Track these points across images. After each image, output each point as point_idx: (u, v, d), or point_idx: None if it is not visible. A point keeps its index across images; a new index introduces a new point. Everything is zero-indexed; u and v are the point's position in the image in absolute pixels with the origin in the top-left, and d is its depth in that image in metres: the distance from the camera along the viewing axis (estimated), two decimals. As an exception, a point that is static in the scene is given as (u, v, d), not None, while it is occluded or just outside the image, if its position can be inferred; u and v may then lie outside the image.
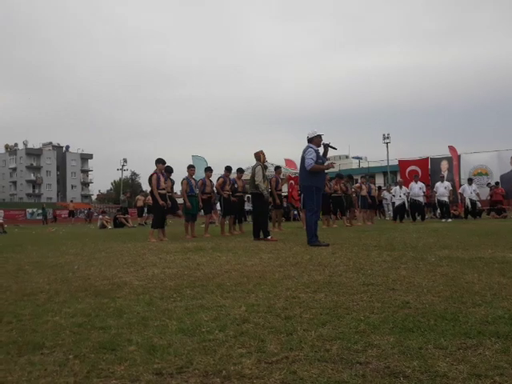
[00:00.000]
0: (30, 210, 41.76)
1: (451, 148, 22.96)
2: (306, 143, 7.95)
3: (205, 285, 4.06)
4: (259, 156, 9.69)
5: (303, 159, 7.85)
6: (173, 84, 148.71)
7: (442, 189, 17.13)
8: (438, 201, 17.49)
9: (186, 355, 2.24)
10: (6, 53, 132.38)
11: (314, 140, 7.91)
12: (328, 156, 8.57)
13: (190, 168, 11.59)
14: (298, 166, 8.52)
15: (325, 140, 7.98)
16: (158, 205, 10.05)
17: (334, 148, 7.98)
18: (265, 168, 9.93)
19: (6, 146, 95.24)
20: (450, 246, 6.85)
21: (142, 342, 2.45)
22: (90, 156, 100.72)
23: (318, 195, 7.91)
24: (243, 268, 5.05)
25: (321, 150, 7.93)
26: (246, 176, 13.81)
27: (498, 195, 19.33)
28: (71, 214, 38.36)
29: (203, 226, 12.43)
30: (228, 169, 12.28)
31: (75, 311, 3.20)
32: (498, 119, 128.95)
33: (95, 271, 5.21)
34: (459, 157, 22.39)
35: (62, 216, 49.79)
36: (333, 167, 8.00)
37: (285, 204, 18.40)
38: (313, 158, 7.68)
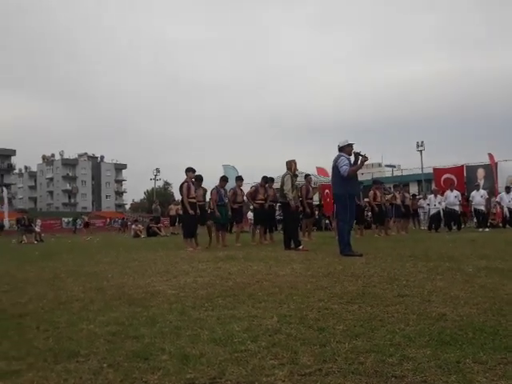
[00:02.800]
0: (65, 220, 42.83)
1: (490, 155, 22.36)
2: (337, 152, 7.91)
3: (236, 294, 4.06)
4: (290, 165, 9.67)
5: (335, 168, 7.78)
6: (205, 95, 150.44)
7: (479, 197, 16.68)
8: (475, 210, 17.04)
9: (218, 365, 2.23)
10: (45, 64, 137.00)
11: (346, 149, 7.85)
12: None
13: (223, 180, 11.64)
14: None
15: (355, 149, 7.91)
16: (189, 214, 10.13)
17: (364, 157, 7.87)
18: (295, 177, 9.88)
19: (43, 157, 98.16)
20: (488, 256, 6.65)
21: (175, 352, 2.46)
22: (124, 166, 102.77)
23: (351, 203, 7.83)
24: (275, 278, 5.03)
25: (352, 158, 7.85)
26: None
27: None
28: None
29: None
30: (265, 179, 12.23)
31: (109, 320, 3.25)
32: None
33: (129, 280, 5.28)
34: (496, 164, 21.79)
35: (97, 225, 50.88)
36: (367, 159, 7.84)
37: (316, 213, 18.24)
38: (346, 164, 7.63)
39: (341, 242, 7.61)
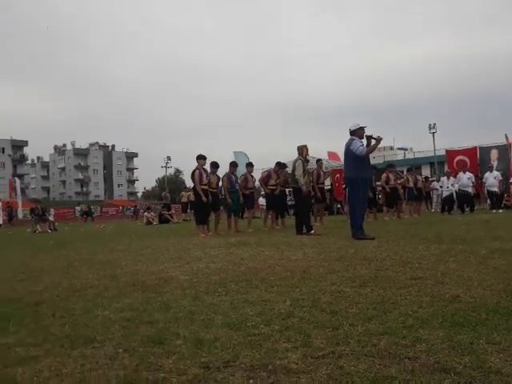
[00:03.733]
0: (78, 208, 43.22)
1: (506, 137, 21.99)
2: (347, 134, 7.85)
3: (249, 279, 4.08)
4: (302, 150, 9.62)
5: (348, 152, 7.74)
6: (214, 82, 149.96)
7: (492, 179, 16.50)
8: (488, 191, 16.88)
9: (232, 349, 2.25)
10: (56, 55, 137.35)
11: (358, 132, 7.79)
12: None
13: (233, 165, 11.63)
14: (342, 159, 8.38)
15: (367, 132, 7.84)
16: (201, 200, 10.16)
17: (376, 139, 7.79)
18: (306, 162, 9.85)
19: (55, 147, 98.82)
20: (502, 237, 6.59)
21: (189, 336, 2.48)
22: (135, 154, 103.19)
23: (364, 187, 7.79)
24: (287, 263, 5.04)
25: (364, 142, 7.79)
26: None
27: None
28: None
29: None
30: (279, 164, 12.20)
31: (124, 306, 3.29)
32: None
33: (142, 267, 5.33)
34: (511, 145, 21.47)
35: (110, 213, 51.23)
36: (382, 139, 7.72)
37: (328, 198, 18.17)
38: (362, 145, 7.59)
39: (353, 226, 7.60)
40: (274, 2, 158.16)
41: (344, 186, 16.04)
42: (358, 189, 7.71)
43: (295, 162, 9.55)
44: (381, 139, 7.67)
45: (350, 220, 8.05)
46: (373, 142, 7.68)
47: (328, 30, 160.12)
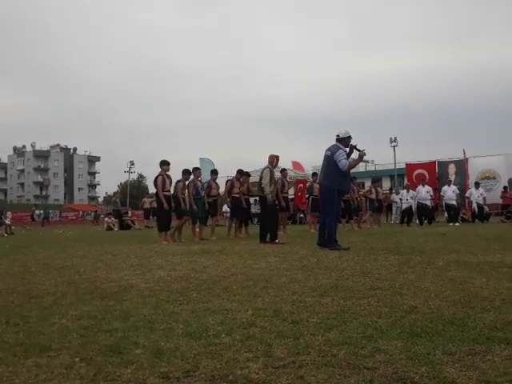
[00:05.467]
0: (37, 212, 42.05)
1: (464, 152, 22.74)
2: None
3: (211, 288, 4.05)
4: (272, 159, 9.61)
5: (331, 160, 7.56)
6: (181, 86, 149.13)
7: (450, 192, 17.05)
8: (446, 204, 17.41)
9: (192, 359, 2.23)
10: (17, 53, 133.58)
11: (346, 140, 7.68)
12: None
13: (197, 170, 11.56)
14: (321, 164, 7.92)
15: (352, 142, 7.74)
16: (163, 207, 10.05)
17: (360, 151, 7.61)
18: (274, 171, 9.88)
19: (14, 148, 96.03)
20: (458, 250, 6.80)
21: (149, 346, 2.45)
22: (98, 158, 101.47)
23: (339, 198, 7.80)
24: (250, 271, 5.04)
25: (347, 150, 7.68)
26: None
27: (507, 199, 19.22)
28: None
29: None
30: (240, 172, 12.25)
31: (82, 314, 3.21)
32: (506, 122, 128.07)
33: (102, 273, 5.22)
34: (467, 160, 22.23)
35: (69, 218, 50.04)
36: (365, 154, 7.62)
37: (291, 207, 18.33)
38: (346, 158, 7.49)
39: (330, 238, 7.49)
40: (246, 6, 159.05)
41: (307, 195, 16.26)
42: (334, 199, 7.61)
43: (263, 170, 9.55)
44: (364, 154, 7.54)
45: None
46: (356, 153, 7.61)
47: (296, 38, 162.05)
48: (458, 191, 17.41)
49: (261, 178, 9.47)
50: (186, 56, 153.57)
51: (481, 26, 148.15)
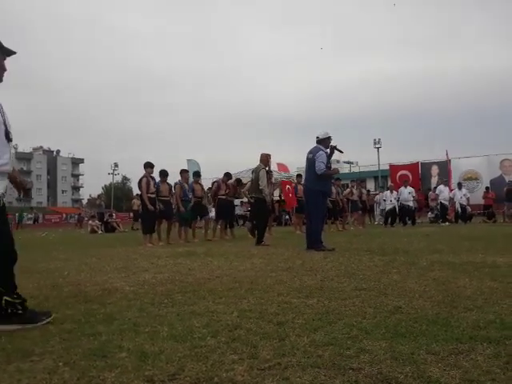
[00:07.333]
0: (29, 215, 41.66)
1: (447, 153, 23.03)
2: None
3: (196, 290, 4.04)
4: (266, 160, 9.50)
5: (312, 161, 7.59)
6: (164, 88, 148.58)
7: (446, 193, 17.54)
8: (441, 204, 17.75)
9: (177, 362, 2.22)
10: None
11: (325, 141, 7.70)
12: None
13: (184, 172, 11.53)
14: (304, 166, 8.05)
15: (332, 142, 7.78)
16: (148, 209, 10.01)
17: (340, 151, 7.75)
18: (270, 172, 9.77)
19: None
20: (441, 250, 6.87)
21: (133, 349, 2.43)
22: (81, 160, 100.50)
23: (324, 200, 7.83)
24: (235, 273, 5.03)
25: (328, 151, 7.71)
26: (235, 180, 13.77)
27: (488, 199, 19.50)
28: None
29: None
30: (227, 175, 12.25)
31: (65, 317, 3.17)
32: (488, 124, 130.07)
33: (86, 277, 5.17)
34: (449, 161, 22.50)
35: (53, 221, 49.43)
36: (338, 172, 7.74)
37: (276, 209, 18.33)
38: (324, 161, 7.48)
39: (315, 239, 7.50)
40: (230, 10, 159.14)
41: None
42: (319, 202, 7.65)
43: (258, 171, 9.31)
44: (337, 171, 7.71)
45: (306, 232, 7.96)
46: (333, 166, 7.74)
47: (281, 42, 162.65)
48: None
49: (257, 180, 9.24)
50: (166, 60, 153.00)
51: (459, 28, 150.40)
